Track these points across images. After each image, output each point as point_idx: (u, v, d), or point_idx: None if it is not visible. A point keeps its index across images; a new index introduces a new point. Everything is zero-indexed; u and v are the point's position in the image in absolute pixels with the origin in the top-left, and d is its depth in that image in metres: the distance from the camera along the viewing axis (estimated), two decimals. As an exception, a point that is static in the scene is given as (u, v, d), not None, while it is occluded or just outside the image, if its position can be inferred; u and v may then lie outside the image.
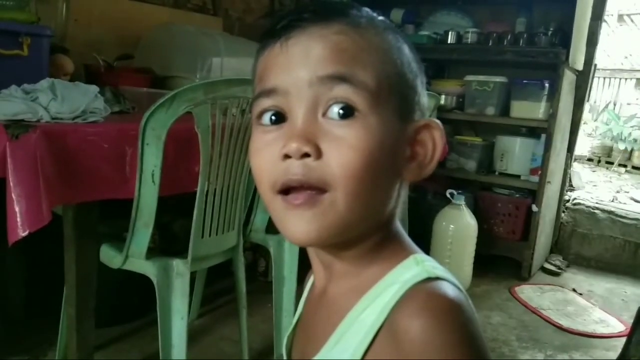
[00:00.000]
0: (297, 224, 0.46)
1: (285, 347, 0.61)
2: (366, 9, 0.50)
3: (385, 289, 0.46)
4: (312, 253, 0.54)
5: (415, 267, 0.47)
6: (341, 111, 0.45)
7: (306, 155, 0.44)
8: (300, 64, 0.45)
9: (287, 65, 0.46)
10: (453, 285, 0.45)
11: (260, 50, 0.49)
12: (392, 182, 0.49)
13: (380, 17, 0.50)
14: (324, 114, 0.45)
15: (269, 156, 0.46)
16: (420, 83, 0.51)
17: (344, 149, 0.44)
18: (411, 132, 0.49)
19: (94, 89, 1.26)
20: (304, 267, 0.60)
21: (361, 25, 0.47)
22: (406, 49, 0.50)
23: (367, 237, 0.49)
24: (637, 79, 6.76)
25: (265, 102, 0.47)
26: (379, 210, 0.48)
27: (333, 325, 0.49)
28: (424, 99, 0.52)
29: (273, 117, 0.47)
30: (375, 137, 0.45)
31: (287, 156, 0.45)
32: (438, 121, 0.50)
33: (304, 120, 0.45)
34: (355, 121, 0.45)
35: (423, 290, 0.44)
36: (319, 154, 0.44)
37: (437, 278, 0.45)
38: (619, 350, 1.52)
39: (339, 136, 0.44)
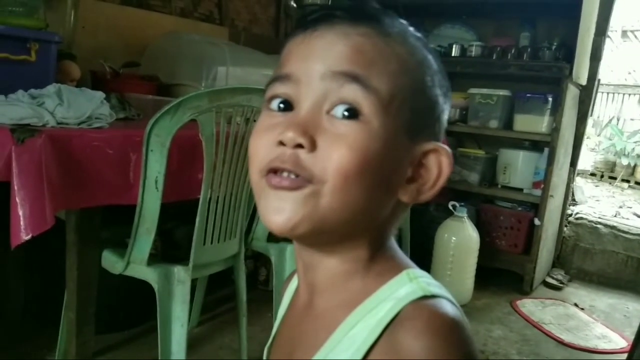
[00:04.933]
0: (275, 205, 0.45)
1: (265, 358, 0.59)
2: (402, 21, 0.49)
3: (377, 305, 0.45)
4: (299, 263, 0.52)
5: (408, 283, 0.46)
6: (346, 112, 0.44)
7: (300, 146, 0.44)
8: (318, 56, 0.46)
9: (305, 55, 0.46)
10: (450, 302, 0.45)
11: (288, 37, 0.50)
12: (382, 195, 0.47)
13: (416, 33, 0.49)
14: (329, 111, 0.45)
15: (266, 140, 0.46)
16: (443, 105, 0.50)
17: (339, 147, 0.44)
18: (417, 154, 0.47)
19: (99, 95, 1.27)
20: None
21: (390, 33, 0.47)
22: (434, 68, 0.49)
23: (353, 248, 0.48)
24: (641, 94, 6.77)
25: (277, 89, 0.48)
26: (362, 218, 0.47)
27: (320, 340, 0.48)
28: (444, 122, 0.50)
29: (281, 105, 0.47)
30: (374, 144, 0.44)
31: (281, 143, 0.45)
32: (448, 149, 0.48)
33: (308, 112, 0.45)
34: (357, 123, 0.44)
35: (425, 309, 0.44)
36: (313, 147, 0.44)
37: (433, 296, 0.45)
38: (621, 366, 1.52)
39: (337, 134, 0.44)
